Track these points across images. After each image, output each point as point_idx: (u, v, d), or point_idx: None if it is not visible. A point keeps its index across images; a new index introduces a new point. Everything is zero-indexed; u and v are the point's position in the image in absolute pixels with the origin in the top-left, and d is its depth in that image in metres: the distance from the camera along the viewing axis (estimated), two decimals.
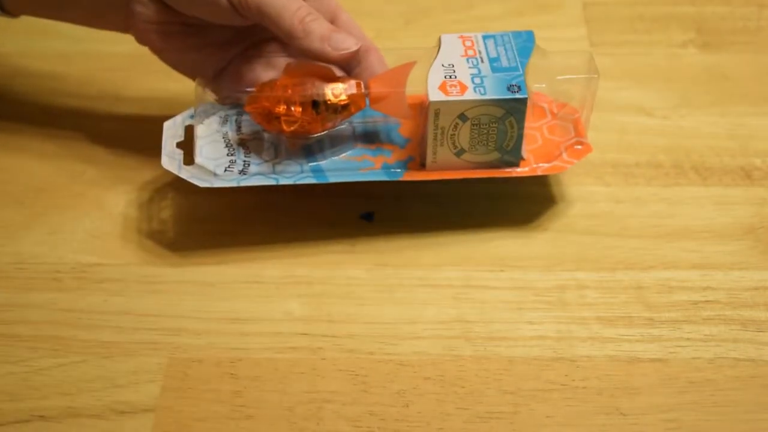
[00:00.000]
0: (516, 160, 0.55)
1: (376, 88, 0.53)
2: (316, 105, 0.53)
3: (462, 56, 0.54)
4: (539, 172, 0.55)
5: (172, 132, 0.56)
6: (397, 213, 0.57)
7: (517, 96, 0.52)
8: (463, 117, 0.52)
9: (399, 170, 0.55)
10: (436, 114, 0.52)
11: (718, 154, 0.60)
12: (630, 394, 0.49)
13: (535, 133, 0.57)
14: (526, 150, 0.55)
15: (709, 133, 0.62)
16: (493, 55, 0.54)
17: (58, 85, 0.65)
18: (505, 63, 0.54)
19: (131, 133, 0.62)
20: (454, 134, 0.53)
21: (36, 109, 0.64)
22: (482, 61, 0.54)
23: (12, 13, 0.58)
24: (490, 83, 0.53)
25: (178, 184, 0.57)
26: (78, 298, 0.53)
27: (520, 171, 0.55)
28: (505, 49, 0.55)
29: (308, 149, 0.55)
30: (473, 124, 0.53)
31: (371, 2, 0.72)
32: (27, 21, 0.59)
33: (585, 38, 0.69)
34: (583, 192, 0.58)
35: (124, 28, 0.56)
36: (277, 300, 0.53)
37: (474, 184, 0.55)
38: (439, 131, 0.53)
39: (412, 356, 0.50)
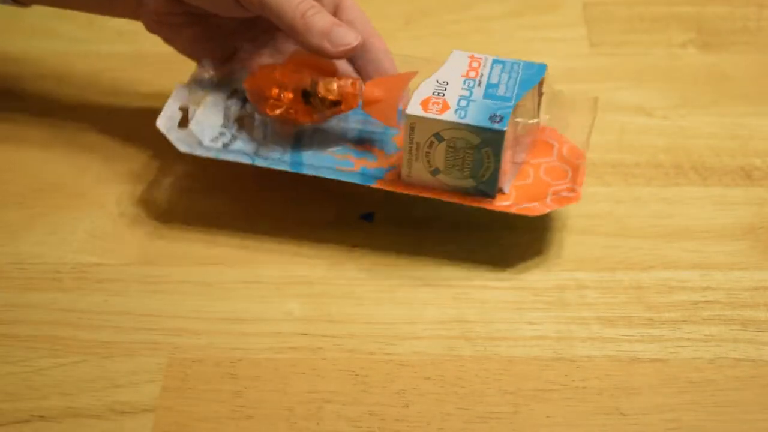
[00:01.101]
0: (491, 191, 0.53)
1: (371, 92, 0.53)
2: (306, 95, 0.53)
3: (462, 76, 0.53)
4: (512, 211, 0.53)
5: (183, 95, 0.55)
6: (397, 213, 0.57)
7: (495, 127, 0.50)
8: (438, 137, 0.51)
9: (375, 177, 0.54)
10: (412, 128, 0.51)
11: (718, 154, 0.60)
12: (630, 394, 0.49)
13: (531, 169, 0.55)
14: (511, 184, 0.54)
15: (709, 133, 0.62)
16: (494, 81, 0.53)
17: (58, 85, 0.65)
18: (501, 91, 0.52)
19: (131, 134, 0.62)
20: (430, 152, 0.52)
21: (36, 110, 0.64)
22: (479, 85, 0.52)
23: (23, 3, 0.58)
24: (475, 109, 0.51)
25: (178, 184, 0.57)
26: (78, 298, 0.53)
27: (493, 205, 0.53)
28: (509, 77, 0.53)
29: (297, 137, 0.55)
30: (449, 146, 0.51)
31: (371, 2, 0.72)
32: (27, 21, 0.59)
33: (585, 38, 0.69)
34: (583, 192, 0.58)
35: (134, 16, 0.56)
36: (277, 300, 0.53)
37: None
38: (414, 146, 0.52)
39: (412, 356, 0.50)
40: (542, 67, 0.54)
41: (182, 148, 0.53)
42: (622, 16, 0.71)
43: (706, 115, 0.63)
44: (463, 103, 0.51)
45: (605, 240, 0.56)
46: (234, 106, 0.56)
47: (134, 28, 0.58)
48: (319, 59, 0.54)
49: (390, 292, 0.53)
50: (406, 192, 0.53)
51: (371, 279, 0.54)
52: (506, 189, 0.53)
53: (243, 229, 0.56)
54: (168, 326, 0.52)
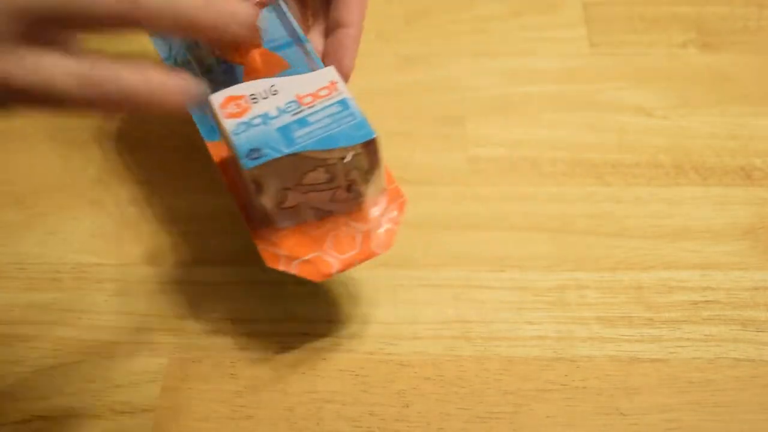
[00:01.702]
0: (256, 216, 0.48)
1: (253, 60, 0.50)
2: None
3: (296, 96, 0.47)
4: (258, 248, 0.48)
5: None
6: None
7: (243, 161, 0.45)
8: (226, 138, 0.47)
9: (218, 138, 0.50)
10: (213, 113, 0.47)
11: (718, 154, 0.60)
12: (630, 394, 0.49)
13: (333, 225, 0.48)
14: (293, 223, 0.48)
15: (709, 133, 0.62)
16: (311, 119, 0.46)
17: None
18: (300, 134, 0.45)
19: (131, 133, 0.62)
20: (229, 143, 0.47)
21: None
22: (294, 114, 0.46)
23: None
24: (257, 133, 0.45)
25: (178, 184, 0.57)
26: (78, 298, 0.53)
27: (253, 232, 0.48)
28: (327, 125, 0.46)
29: (215, 66, 0.52)
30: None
31: (371, 2, 0.72)
32: None
33: (585, 38, 0.69)
34: (583, 192, 0.58)
35: None
36: (278, 300, 0.53)
37: None
38: (220, 130, 0.48)
39: (412, 356, 0.50)
40: (367, 134, 0.46)
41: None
42: (622, 16, 0.71)
43: (706, 115, 0.63)
44: (258, 121, 0.46)
45: (605, 240, 0.56)
46: None
47: None
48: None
49: (390, 292, 0.53)
50: (219, 169, 0.49)
51: (371, 279, 0.54)
52: (280, 224, 0.48)
53: (243, 228, 0.56)
54: (168, 326, 0.52)
